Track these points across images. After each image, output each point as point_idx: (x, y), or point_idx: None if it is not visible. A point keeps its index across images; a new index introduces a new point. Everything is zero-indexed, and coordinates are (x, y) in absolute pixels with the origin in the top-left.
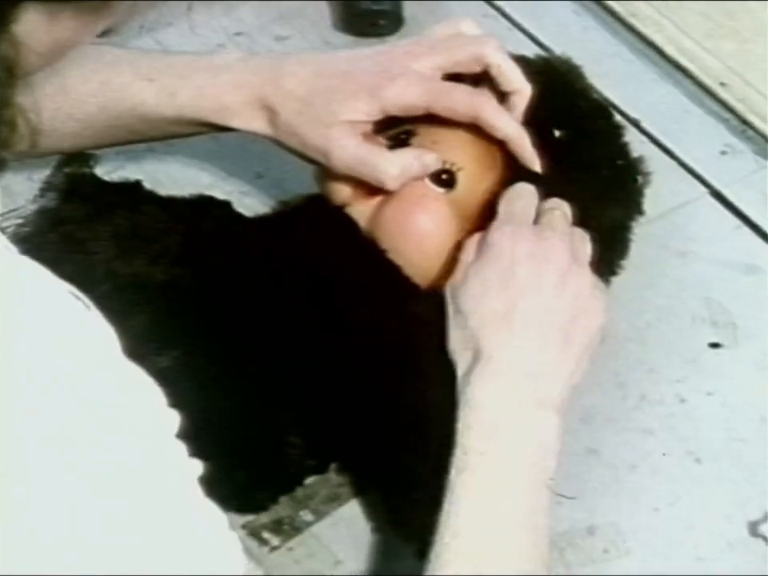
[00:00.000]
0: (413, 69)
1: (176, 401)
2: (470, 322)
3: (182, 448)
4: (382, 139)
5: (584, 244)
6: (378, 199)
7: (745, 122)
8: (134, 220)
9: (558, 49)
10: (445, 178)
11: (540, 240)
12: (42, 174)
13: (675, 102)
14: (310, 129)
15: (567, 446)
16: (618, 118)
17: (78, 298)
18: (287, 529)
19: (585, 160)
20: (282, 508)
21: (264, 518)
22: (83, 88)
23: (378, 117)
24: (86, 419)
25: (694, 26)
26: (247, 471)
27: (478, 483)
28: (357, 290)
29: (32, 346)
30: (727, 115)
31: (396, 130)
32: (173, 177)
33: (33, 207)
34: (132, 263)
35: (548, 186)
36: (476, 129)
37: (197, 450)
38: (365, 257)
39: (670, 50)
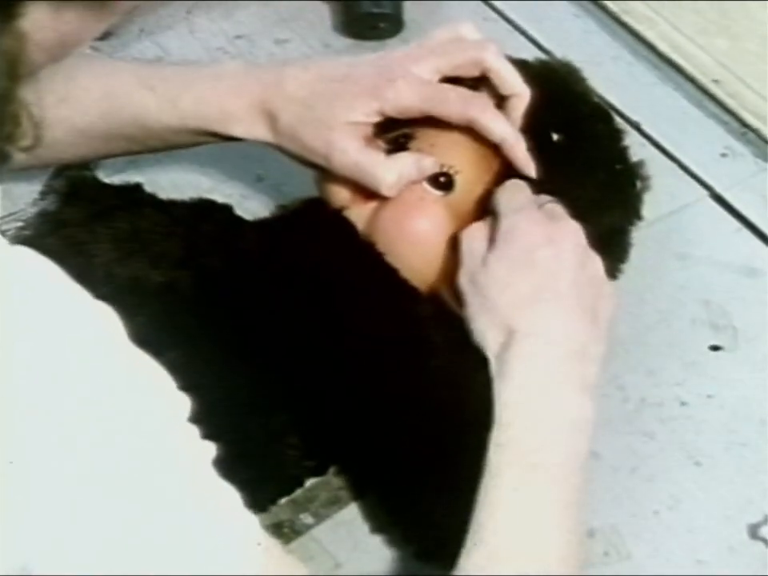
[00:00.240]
0: (412, 72)
1: None
2: (500, 304)
3: (193, 430)
4: (381, 142)
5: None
6: (376, 202)
7: (745, 124)
8: (135, 223)
9: (558, 51)
10: (443, 181)
11: (553, 223)
12: (42, 178)
13: (675, 104)
14: (311, 132)
15: None
16: (618, 121)
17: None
18: (287, 532)
19: (583, 164)
20: (282, 511)
21: (264, 520)
22: (85, 97)
23: (377, 118)
24: (97, 403)
25: (687, 24)
26: (245, 471)
27: (516, 459)
28: (355, 292)
29: (41, 331)
30: (727, 118)
31: (395, 133)
32: (173, 180)
33: (33, 210)
34: (132, 266)
35: (545, 190)
36: (474, 132)
37: None
38: (362, 260)
39: (663, 47)
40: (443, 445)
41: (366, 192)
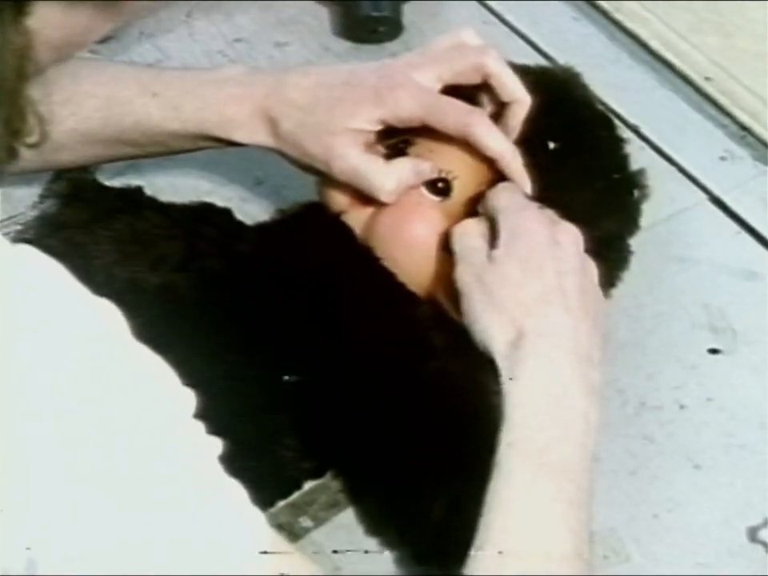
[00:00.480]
0: (413, 80)
1: None
2: (510, 303)
3: (199, 426)
4: (380, 148)
5: None
6: (374, 207)
7: (744, 127)
8: (135, 225)
9: (557, 54)
10: (440, 187)
11: (554, 225)
12: (42, 181)
13: (675, 107)
14: (311, 138)
15: None
16: (619, 127)
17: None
18: (286, 535)
19: (581, 171)
20: (281, 514)
21: None
22: (88, 102)
23: (378, 126)
24: (102, 400)
25: (679, 21)
26: (242, 472)
27: (527, 458)
28: (353, 295)
29: (45, 328)
30: (726, 121)
31: (394, 139)
32: (173, 183)
33: (33, 213)
34: (132, 268)
35: (542, 197)
36: None
37: None
38: (360, 264)
39: (655, 44)
40: (441, 446)
41: (365, 197)
